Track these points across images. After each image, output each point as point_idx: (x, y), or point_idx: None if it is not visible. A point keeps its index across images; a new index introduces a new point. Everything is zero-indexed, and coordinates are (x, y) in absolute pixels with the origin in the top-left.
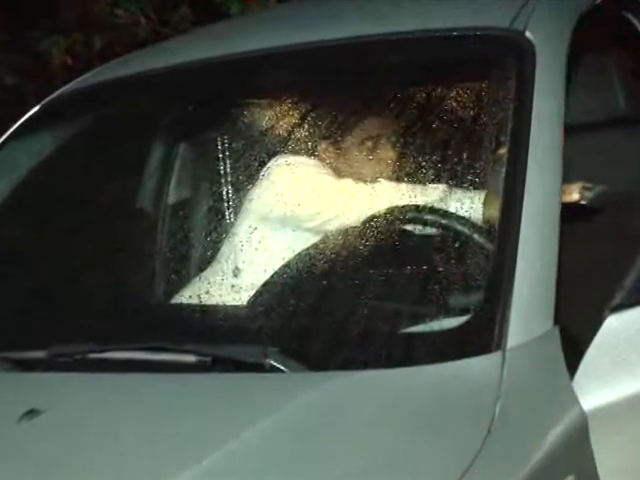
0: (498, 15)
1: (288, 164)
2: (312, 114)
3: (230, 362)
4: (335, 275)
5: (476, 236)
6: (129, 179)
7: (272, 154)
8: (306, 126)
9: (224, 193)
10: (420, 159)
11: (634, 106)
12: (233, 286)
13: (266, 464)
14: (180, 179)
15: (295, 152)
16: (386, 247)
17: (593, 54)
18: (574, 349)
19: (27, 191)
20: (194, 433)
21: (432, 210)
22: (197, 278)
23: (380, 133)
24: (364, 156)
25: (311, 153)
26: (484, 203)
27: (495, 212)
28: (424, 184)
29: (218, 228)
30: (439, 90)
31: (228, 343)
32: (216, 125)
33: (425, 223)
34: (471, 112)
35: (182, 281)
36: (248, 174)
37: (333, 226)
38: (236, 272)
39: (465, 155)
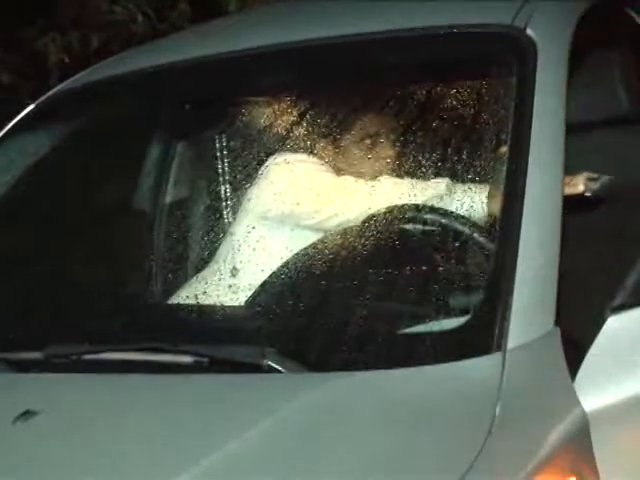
0: (499, 12)
1: (287, 162)
2: (311, 112)
3: (227, 363)
4: (334, 275)
5: (476, 235)
6: (126, 178)
7: (270, 152)
8: (305, 124)
9: (222, 192)
10: (420, 157)
11: (636, 104)
12: (231, 286)
13: (264, 466)
14: (177, 178)
15: (294, 150)
16: (385, 246)
17: (595, 52)
18: (575, 350)
19: (22, 191)
20: (191, 434)
21: (432, 209)
22: (194, 278)
23: (380, 131)
24: (363, 154)
25: (310, 151)
26: (484, 202)
27: (495, 211)
28: (424, 183)
29: (216, 227)
30: (439, 88)
31: (225, 344)
32: (214, 123)
33: (425, 222)
34: (472, 110)
35: (179, 281)
36: (246, 173)
37: (332, 225)
38: (234, 272)
39: (465, 154)
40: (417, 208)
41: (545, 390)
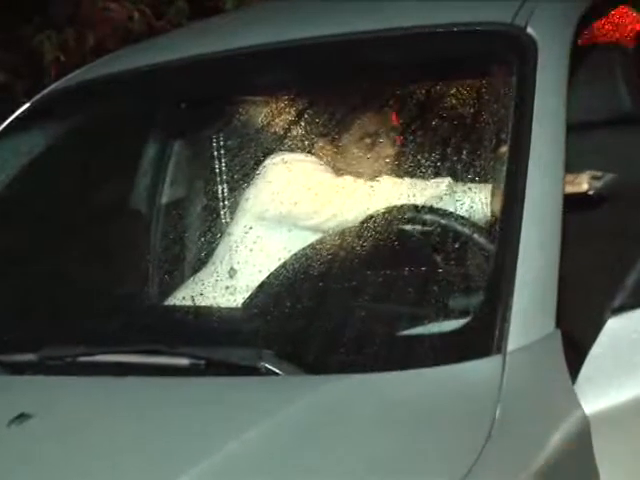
0: (499, 10)
1: (284, 162)
2: (309, 111)
3: (224, 365)
4: (332, 276)
5: (476, 236)
6: (122, 178)
7: (268, 152)
8: (303, 123)
9: (219, 192)
10: (419, 157)
11: (638, 104)
12: (228, 287)
13: (262, 468)
14: (174, 178)
15: (292, 150)
16: (384, 247)
17: (596, 50)
18: (576, 352)
19: (16, 191)
20: (188, 437)
21: (431, 210)
22: (191, 279)
23: (378, 131)
24: (362, 154)
25: (308, 151)
26: (484, 203)
27: (495, 212)
28: (423, 183)
29: (213, 228)
30: (439, 87)
31: (222, 346)
32: (211, 123)
33: (424, 223)
34: (471, 109)
35: (176, 282)
36: (244, 172)
37: (331, 226)
38: (232, 273)
39: (465, 154)
40: (416, 208)
41: (545, 393)
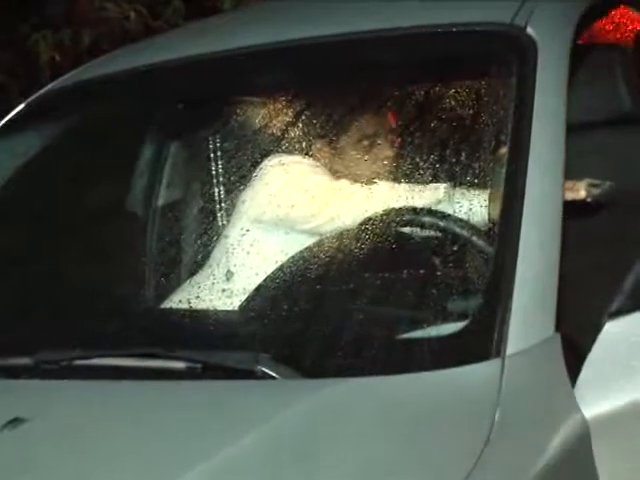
0: (499, 10)
1: (282, 164)
2: (307, 112)
3: (221, 369)
4: (330, 279)
5: (475, 238)
6: (118, 180)
7: (265, 154)
8: (301, 125)
9: (216, 194)
10: (418, 159)
11: (638, 104)
12: (224, 290)
13: (259, 473)
14: (171, 179)
15: (289, 152)
16: (382, 250)
17: (596, 50)
18: (576, 356)
19: (12, 192)
20: (185, 441)
21: (430, 212)
22: (188, 282)
23: (377, 132)
24: (361, 155)
25: (306, 152)
26: (483, 204)
27: (495, 213)
28: (422, 185)
29: (210, 230)
30: (438, 88)
31: (219, 349)
32: (208, 124)
33: (423, 226)
34: (470, 110)
35: (172, 285)
36: (241, 174)
37: (328, 229)
38: (229, 275)
39: (464, 155)
40: (415, 211)
41: (545, 397)
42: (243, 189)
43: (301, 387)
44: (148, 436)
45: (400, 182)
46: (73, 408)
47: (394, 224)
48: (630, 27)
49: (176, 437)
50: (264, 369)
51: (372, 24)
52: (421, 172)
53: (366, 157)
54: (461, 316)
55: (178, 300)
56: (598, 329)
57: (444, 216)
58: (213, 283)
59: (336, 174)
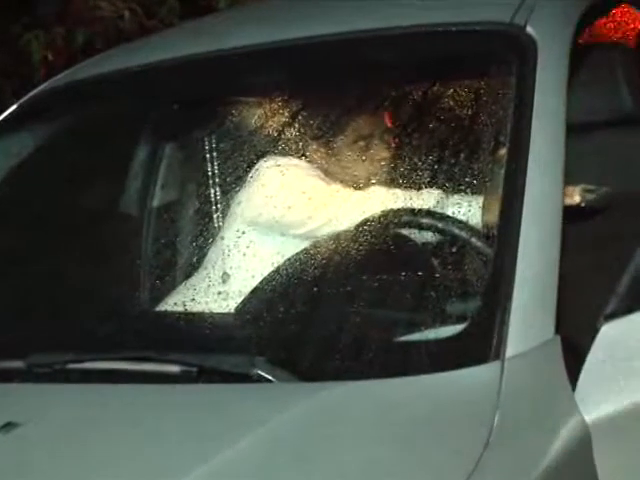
0: (498, 10)
1: (277, 165)
2: (303, 113)
3: (216, 372)
4: (327, 281)
5: (474, 240)
6: (112, 181)
7: (261, 155)
8: (297, 126)
9: (211, 196)
10: (416, 160)
11: (639, 104)
12: (220, 293)
13: (255, 477)
14: (165, 180)
15: (285, 153)
16: (380, 252)
17: (597, 50)
18: (576, 358)
19: (5, 194)
20: (180, 445)
21: (428, 214)
22: (183, 284)
23: (375, 132)
24: (358, 156)
25: (302, 154)
26: (483, 206)
27: (494, 215)
28: (420, 186)
29: (205, 232)
30: (436, 87)
31: (214, 352)
32: (203, 124)
33: (421, 227)
34: (470, 110)
35: (167, 288)
36: (236, 176)
37: (325, 231)
38: (224, 277)
39: (463, 156)
40: (413, 212)
41: (545, 399)
42: (239, 190)
43: (298, 390)
44: (143, 440)
45: (398, 183)
46: (67, 412)
47: (392, 226)
48: (631, 26)
49: (172, 441)
50: (260, 372)
51: (370, 23)
52: (419, 173)
53: (364, 158)
54: (460, 318)
55: (173, 303)
56: (597, 331)
57: (442, 217)
58: (209, 285)
59: (332, 175)
